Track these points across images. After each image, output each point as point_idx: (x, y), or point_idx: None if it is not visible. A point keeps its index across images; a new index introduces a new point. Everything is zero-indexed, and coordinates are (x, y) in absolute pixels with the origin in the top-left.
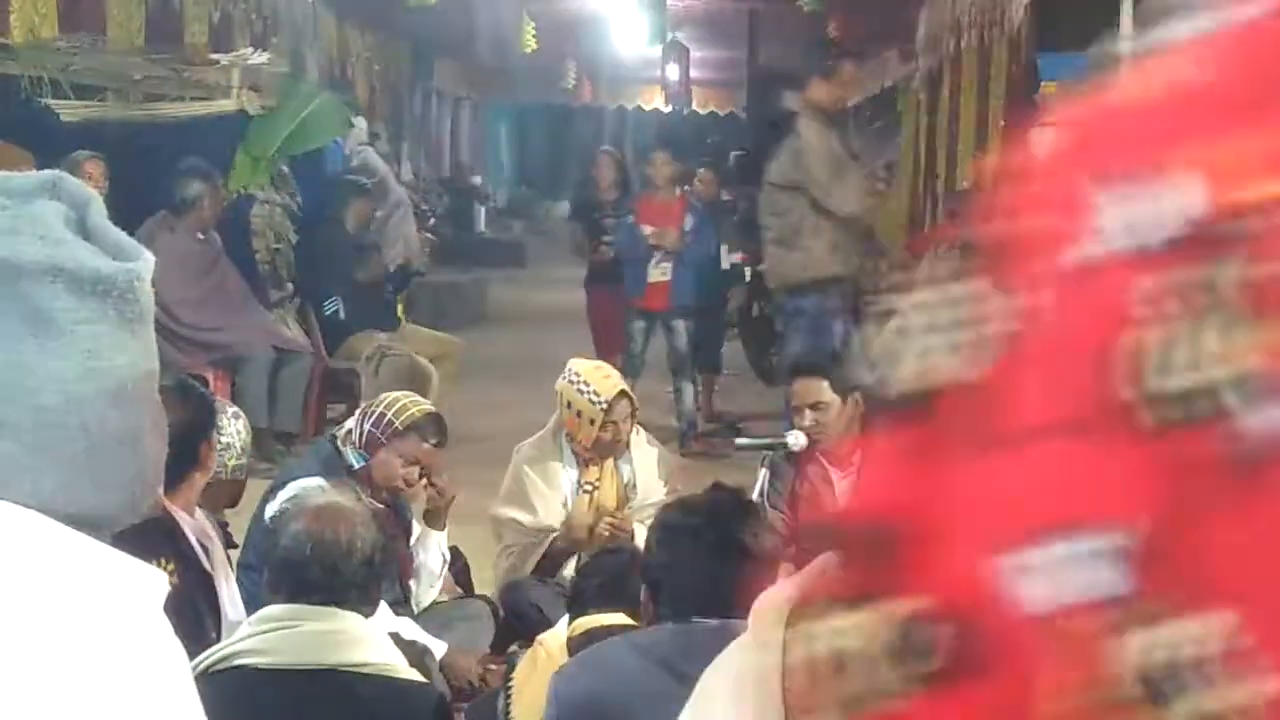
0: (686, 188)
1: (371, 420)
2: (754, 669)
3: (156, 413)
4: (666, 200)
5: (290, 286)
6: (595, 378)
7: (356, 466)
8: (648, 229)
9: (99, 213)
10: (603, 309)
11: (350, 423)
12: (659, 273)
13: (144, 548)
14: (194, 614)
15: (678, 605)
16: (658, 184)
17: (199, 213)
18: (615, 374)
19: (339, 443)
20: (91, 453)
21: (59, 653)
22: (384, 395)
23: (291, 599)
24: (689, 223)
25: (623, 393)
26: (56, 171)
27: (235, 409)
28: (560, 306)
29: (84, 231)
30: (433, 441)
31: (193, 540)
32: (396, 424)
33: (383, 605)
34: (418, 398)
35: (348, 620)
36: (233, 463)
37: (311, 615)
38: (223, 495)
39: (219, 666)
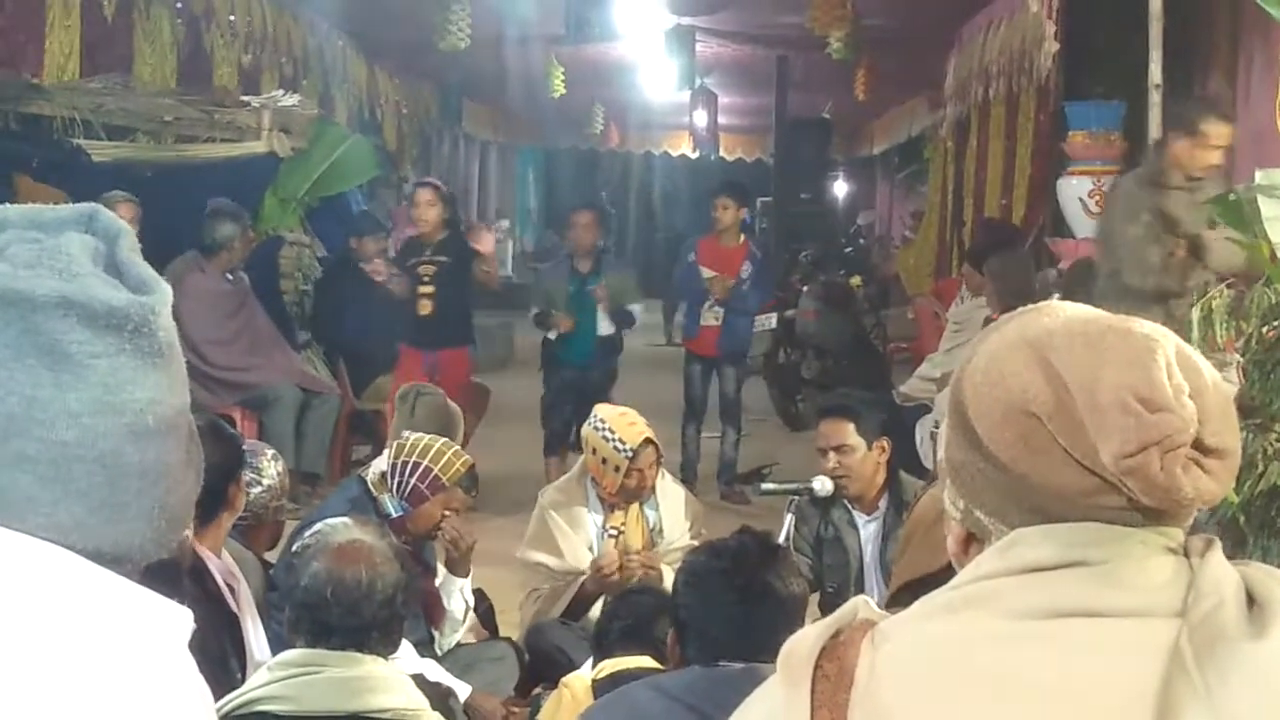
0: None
1: (417, 474)
2: (783, 709)
3: (190, 449)
4: (729, 245)
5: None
6: (620, 425)
7: (395, 515)
8: (707, 272)
9: (129, 246)
10: (409, 373)
11: (379, 464)
12: (711, 316)
13: (169, 588)
14: (219, 654)
15: (704, 648)
16: (721, 228)
17: (229, 253)
18: (641, 421)
19: (370, 487)
20: (110, 487)
21: (81, 688)
22: (419, 442)
23: (312, 642)
24: (746, 269)
25: (648, 440)
26: (93, 205)
27: (274, 451)
28: None
29: (113, 265)
30: (469, 491)
31: (219, 580)
32: (443, 480)
33: (407, 646)
34: (455, 447)
35: (369, 665)
36: (274, 504)
37: (332, 660)
38: (265, 536)
39: (240, 711)
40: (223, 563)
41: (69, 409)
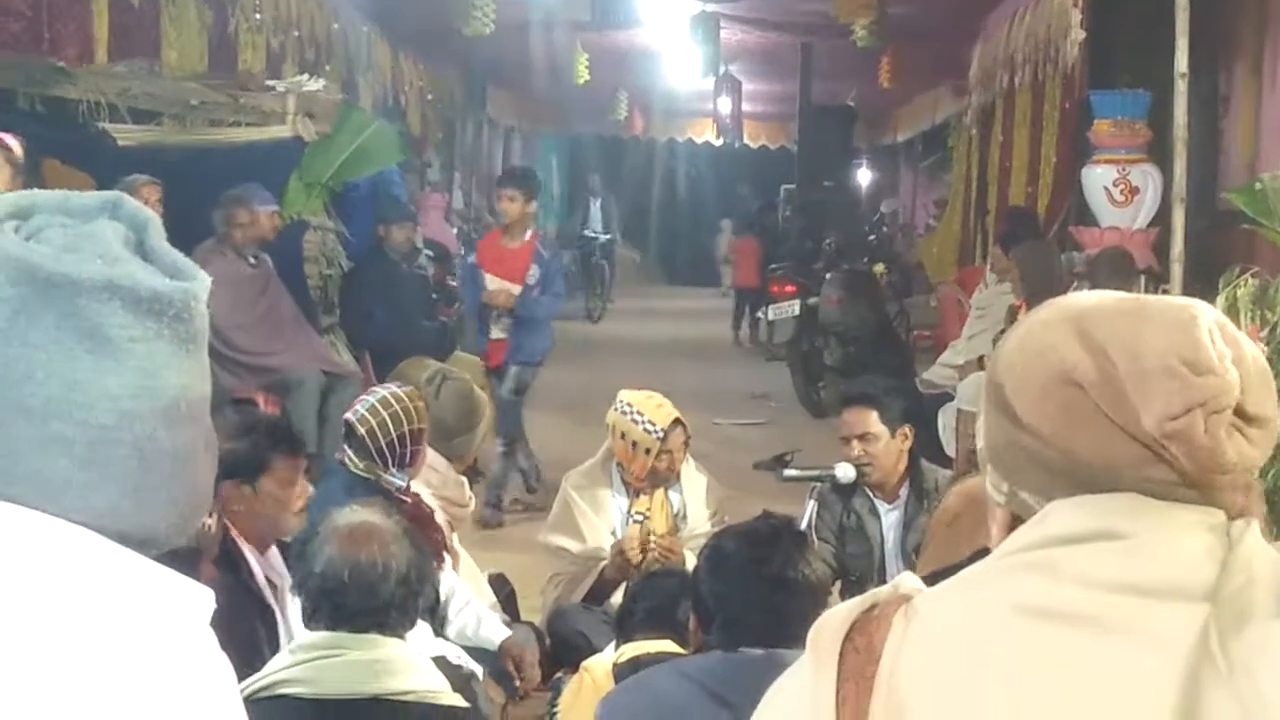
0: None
1: (408, 443)
2: (810, 683)
3: (208, 435)
4: (512, 245)
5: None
6: (648, 407)
7: (403, 484)
8: (489, 280)
9: (157, 234)
10: None
11: (350, 453)
12: (499, 329)
13: (188, 571)
14: (248, 638)
15: (726, 633)
16: (507, 221)
17: (240, 231)
18: (667, 402)
19: (360, 473)
20: (143, 471)
21: (106, 666)
22: (384, 417)
23: (332, 625)
24: (533, 274)
25: (677, 420)
26: (117, 192)
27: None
28: (607, 337)
29: (142, 252)
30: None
31: (258, 574)
32: (424, 427)
33: (426, 628)
34: (401, 394)
35: (389, 647)
36: None
37: (353, 644)
38: None
39: (262, 694)
40: (266, 560)
41: (109, 392)
